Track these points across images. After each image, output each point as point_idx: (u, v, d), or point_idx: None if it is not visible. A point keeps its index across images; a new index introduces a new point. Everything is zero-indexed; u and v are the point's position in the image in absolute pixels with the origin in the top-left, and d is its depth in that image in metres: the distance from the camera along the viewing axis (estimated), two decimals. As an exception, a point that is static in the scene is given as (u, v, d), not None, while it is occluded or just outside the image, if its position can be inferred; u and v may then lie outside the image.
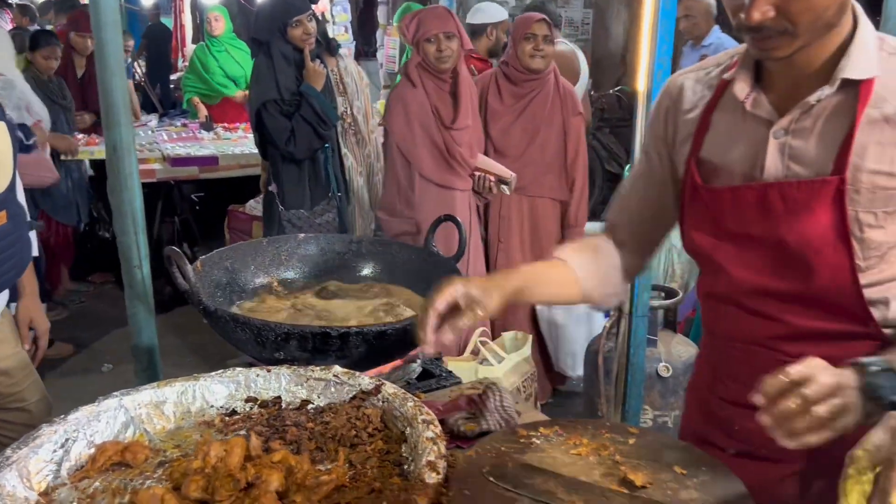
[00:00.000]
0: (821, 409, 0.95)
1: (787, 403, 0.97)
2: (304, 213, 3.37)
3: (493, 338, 3.42)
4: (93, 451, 1.32)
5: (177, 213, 5.70)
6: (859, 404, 0.99)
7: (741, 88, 1.26)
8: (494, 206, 3.55)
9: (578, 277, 1.44)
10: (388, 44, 7.32)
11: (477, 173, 3.18)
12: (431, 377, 1.95)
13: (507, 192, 3.22)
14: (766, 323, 1.25)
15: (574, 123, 3.50)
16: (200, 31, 9.06)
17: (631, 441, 1.26)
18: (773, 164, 1.23)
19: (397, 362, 1.90)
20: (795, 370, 0.98)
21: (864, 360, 1.02)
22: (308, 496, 1.15)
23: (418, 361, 1.93)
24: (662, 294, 2.83)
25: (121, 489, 1.24)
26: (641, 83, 2.06)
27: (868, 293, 1.17)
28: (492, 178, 3.17)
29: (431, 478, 1.17)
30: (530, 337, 3.48)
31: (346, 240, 2.25)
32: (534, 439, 1.28)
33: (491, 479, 1.15)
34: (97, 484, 1.26)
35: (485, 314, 1.28)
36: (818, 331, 1.20)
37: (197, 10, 9.82)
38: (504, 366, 3.24)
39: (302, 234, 2.27)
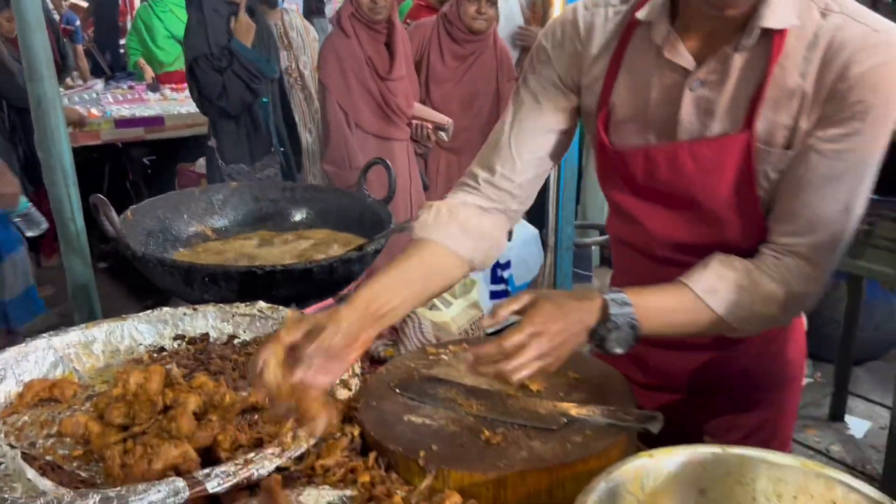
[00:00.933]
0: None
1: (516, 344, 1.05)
2: (245, 167, 3.38)
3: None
4: (21, 388, 1.37)
5: (127, 177, 5.65)
6: (583, 342, 1.10)
7: (659, 31, 1.16)
8: (433, 162, 3.60)
9: (451, 252, 1.27)
10: (336, -1, 7.24)
11: (414, 122, 3.22)
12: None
13: (446, 139, 3.27)
14: (679, 271, 1.19)
15: (508, 89, 3.53)
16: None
17: (532, 353, 1.33)
18: (687, 118, 1.17)
19: (328, 301, 1.96)
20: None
21: (612, 305, 1.09)
22: (223, 414, 1.21)
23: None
24: (598, 231, 2.91)
25: (49, 421, 1.29)
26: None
27: None
28: (429, 126, 3.21)
29: (342, 394, 1.24)
30: (477, 281, 3.56)
31: (279, 186, 2.30)
32: (442, 356, 1.35)
33: (397, 391, 1.23)
34: (25, 418, 1.31)
35: (335, 337, 1.07)
36: None
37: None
38: (452, 311, 3.32)
39: (234, 183, 2.31)
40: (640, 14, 1.17)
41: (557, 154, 1.34)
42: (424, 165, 3.61)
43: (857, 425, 3.14)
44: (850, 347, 3.05)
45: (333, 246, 2.06)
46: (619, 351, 1.09)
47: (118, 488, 1.01)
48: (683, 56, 1.15)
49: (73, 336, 1.50)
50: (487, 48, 3.50)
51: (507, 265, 3.76)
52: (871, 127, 1.06)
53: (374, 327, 1.13)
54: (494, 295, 3.78)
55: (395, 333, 1.61)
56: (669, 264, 1.24)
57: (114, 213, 1.71)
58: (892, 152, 1.23)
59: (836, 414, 3.19)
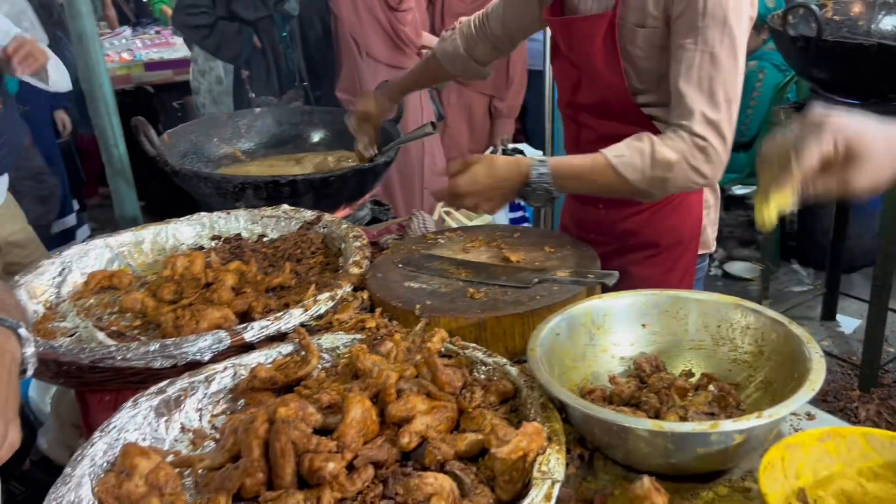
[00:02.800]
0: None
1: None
2: (274, 99, 3.58)
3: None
4: (86, 278, 1.62)
5: (158, 119, 5.89)
6: (511, 198, 1.48)
7: None
8: (445, 93, 3.78)
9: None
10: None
11: (423, 51, 3.38)
12: (380, 222, 2.24)
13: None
14: (579, 129, 1.63)
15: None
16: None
17: (516, 235, 1.55)
18: None
19: (347, 211, 2.18)
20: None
21: (532, 170, 1.41)
22: (255, 287, 1.45)
23: (367, 208, 2.21)
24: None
25: (110, 303, 1.55)
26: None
27: (648, 111, 1.49)
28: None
29: (354, 270, 1.47)
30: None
31: (299, 111, 2.51)
32: (439, 240, 1.58)
33: (399, 265, 1.45)
34: (91, 301, 1.56)
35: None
36: (616, 134, 1.45)
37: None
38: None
39: (258, 108, 2.51)
40: None
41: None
42: (438, 96, 3.78)
43: (847, 323, 3.33)
44: (840, 252, 3.22)
45: (349, 161, 2.28)
46: (537, 205, 1.45)
47: (174, 338, 1.27)
48: None
49: (125, 237, 1.74)
50: None
51: None
52: (712, 19, 1.32)
53: None
54: (513, 221, 4.00)
55: (401, 229, 1.84)
56: (571, 122, 1.68)
57: (153, 133, 1.94)
58: (875, 61, 1.39)
59: (828, 314, 3.38)
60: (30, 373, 0.97)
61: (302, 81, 3.59)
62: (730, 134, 1.37)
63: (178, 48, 5.55)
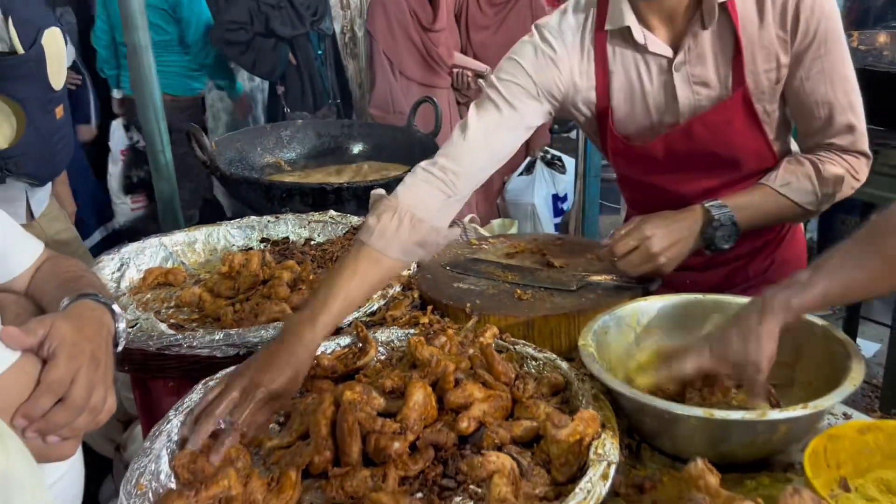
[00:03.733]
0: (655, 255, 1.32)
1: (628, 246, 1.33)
2: (307, 115, 3.68)
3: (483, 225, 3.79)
4: (143, 274, 1.70)
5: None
6: (694, 245, 1.35)
7: (637, 32, 1.34)
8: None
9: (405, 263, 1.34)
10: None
11: (455, 70, 3.48)
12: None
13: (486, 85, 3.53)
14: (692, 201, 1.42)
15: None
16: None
17: (559, 243, 1.62)
18: (683, 94, 1.37)
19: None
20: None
21: (712, 209, 1.34)
22: (310, 286, 1.52)
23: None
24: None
25: (167, 298, 1.62)
26: None
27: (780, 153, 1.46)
28: (469, 74, 3.47)
29: (405, 271, 1.54)
30: (516, 222, 3.84)
31: (339, 124, 2.60)
32: (483, 245, 1.64)
33: (447, 268, 1.52)
34: (148, 296, 1.64)
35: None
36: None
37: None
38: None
39: (300, 120, 2.61)
40: (609, 25, 1.37)
41: (511, 151, 1.44)
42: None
43: (867, 347, 3.36)
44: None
45: (390, 171, 2.36)
46: (726, 246, 1.35)
47: (237, 329, 1.34)
48: (661, 45, 1.36)
49: (179, 237, 1.82)
50: None
51: (564, 198, 4.03)
52: (833, 43, 1.31)
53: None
54: (558, 228, 4.06)
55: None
56: (683, 200, 1.43)
57: (206, 140, 2.02)
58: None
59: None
60: (120, 347, 1.04)
61: (335, 98, 3.70)
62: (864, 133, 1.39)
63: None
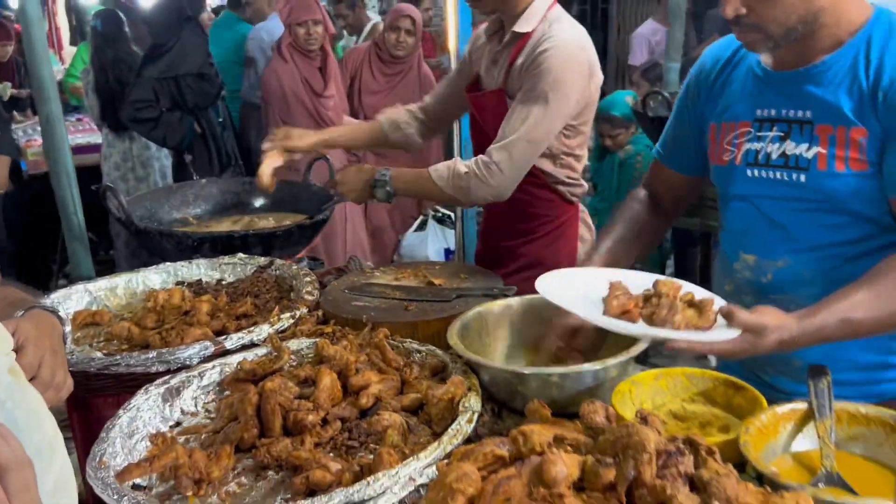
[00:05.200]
0: None
1: None
2: (216, 178, 3.92)
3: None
4: (72, 315, 1.90)
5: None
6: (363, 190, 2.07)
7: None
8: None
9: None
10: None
11: (345, 129, 3.83)
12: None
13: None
14: None
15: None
16: (79, 33, 9.27)
17: (437, 267, 1.95)
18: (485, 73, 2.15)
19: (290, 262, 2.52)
20: None
21: (378, 169, 1.99)
22: (227, 313, 1.77)
23: (305, 262, 2.55)
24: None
25: (97, 334, 1.83)
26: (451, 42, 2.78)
27: None
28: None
29: (308, 297, 1.82)
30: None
31: (240, 181, 2.85)
32: (375, 273, 1.95)
33: (345, 291, 1.81)
34: (79, 334, 1.84)
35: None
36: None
37: (73, 11, 9.97)
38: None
39: (204, 179, 2.85)
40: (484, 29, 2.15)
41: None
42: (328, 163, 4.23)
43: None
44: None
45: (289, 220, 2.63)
46: (383, 199, 2.06)
47: (168, 348, 1.58)
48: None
49: (101, 283, 2.03)
50: (412, 70, 4.17)
51: (454, 251, 4.39)
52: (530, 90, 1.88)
53: None
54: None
55: (339, 271, 2.20)
56: None
57: (122, 198, 2.25)
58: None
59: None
60: (68, 346, 1.28)
61: (237, 161, 3.95)
62: (520, 160, 1.91)
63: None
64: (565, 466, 0.92)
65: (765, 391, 1.25)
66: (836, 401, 1.15)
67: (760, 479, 1.02)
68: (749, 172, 1.46)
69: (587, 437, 1.05)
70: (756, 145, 1.44)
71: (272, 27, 4.54)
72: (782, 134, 1.40)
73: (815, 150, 1.36)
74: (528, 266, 2.07)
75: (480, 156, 1.92)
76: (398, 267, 1.98)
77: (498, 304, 1.58)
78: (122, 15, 4.54)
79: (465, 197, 1.95)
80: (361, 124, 2.58)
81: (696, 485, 0.94)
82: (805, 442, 1.15)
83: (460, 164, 1.94)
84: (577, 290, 1.38)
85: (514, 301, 1.59)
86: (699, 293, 1.34)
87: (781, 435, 1.15)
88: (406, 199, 4.28)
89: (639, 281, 1.39)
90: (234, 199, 2.80)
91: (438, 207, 4.46)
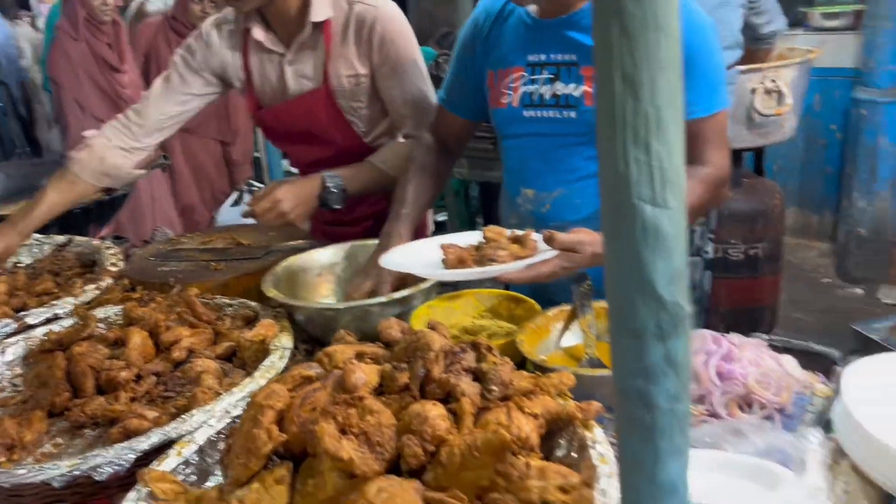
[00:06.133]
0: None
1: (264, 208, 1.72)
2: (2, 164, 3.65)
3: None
4: None
5: None
6: (314, 204, 1.77)
7: (259, 34, 1.84)
8: (171, 141, 4.08)
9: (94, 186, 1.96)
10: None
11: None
12: (122, 253, 2.53)
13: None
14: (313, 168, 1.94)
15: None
16: None
17: (248, 229, 1.99)
18: (292, 82, 1.90)
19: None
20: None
21: (327, 177, 1.78)
22: (27, 291, 1.72)
23: (110, 240, 2.48)
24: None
25: None
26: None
27: (379, 142, 1.98)
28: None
29: (112, 268, 1.80)
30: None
31: (29, 163, 2.73)
32: (182, 240, 1.96)
33: (151, 258, 1.81)
34: None
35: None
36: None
37: None
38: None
39: (-12, 164, 2.67)
40: (244, 25, 1.89)
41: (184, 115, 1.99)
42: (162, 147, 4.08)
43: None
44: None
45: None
46: (337, 206, 1.78)
47: (-38, 329, 1.52)
48: (277, 44, 1.88)
49: None
50: None
51: None
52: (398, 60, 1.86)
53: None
54: None
55: (146, 244, 2.18)
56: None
57: None
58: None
59: None
60: None
61: (24, 147, 3.71)
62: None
63: None
64: (364, 374, 1.04)
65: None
66: (597, 300, 1.35)
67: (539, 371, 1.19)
68: (525, 113, 1.62)
69: (385, 351, 1.17)
70: (531, 88, 1.61)
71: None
72: (552, 76, 1.58)
73: (581, 88, 1.54)
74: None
75: (409, 140, 1.87)
76: (205, 232, 2.01)
77: (311, 255, 1.66)
78: None
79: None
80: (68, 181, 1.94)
81: (478, 377, 1.09)
82: (573, 338, 1.34)
83: (415, 152, 1.79)
84: (417, 258, 1.47)
85: (328, 251, 1.69)
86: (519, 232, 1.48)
87: (552, 334, 1.33)
88: (214, 173, 4.23)
89: (468, 238, 1.52)
90: (24, 182, 2.67)
91: (252, 181, 4.42)
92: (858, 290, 4.39)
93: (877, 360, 1.05)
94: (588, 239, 1.35)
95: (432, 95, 1.91)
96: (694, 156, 1.48)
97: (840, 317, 3.95)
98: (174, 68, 1.94)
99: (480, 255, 1.42)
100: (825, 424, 1.04)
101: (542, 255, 1.34)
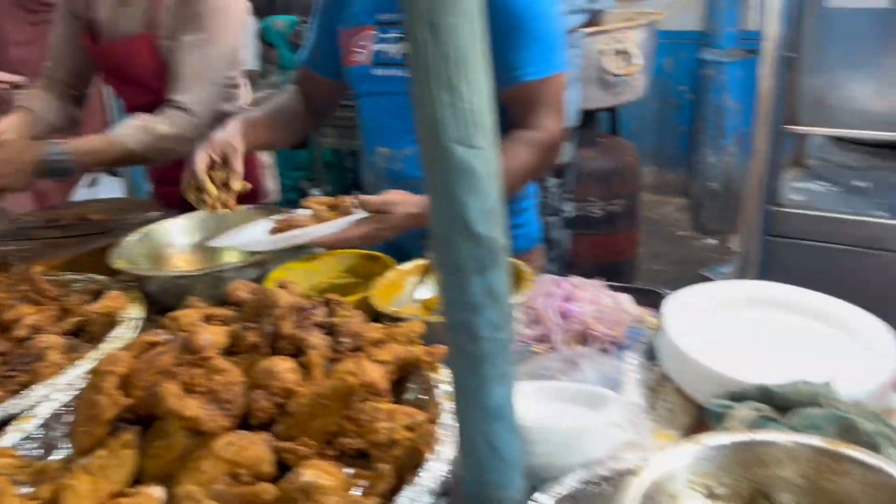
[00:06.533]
0: None
1: None
2: None
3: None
4: None
5: None
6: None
7: None
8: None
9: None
10: None
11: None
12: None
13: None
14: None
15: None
16: None
17: (99, 204, 1.92)
18: (123, 22, 1.90)
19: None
20: None
21: (50, 145, 1.66)
22: None
23: None
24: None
25: None
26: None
27: None
28: (5, 85, 3.46)
29: None
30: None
31: None
32: (22, 218, 1.87)
33: (-9, 238, 1.72)
34: None
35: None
36: None
37: None
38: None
39: None
40: None
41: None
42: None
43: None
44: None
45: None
46: (59, 179, 1.80)
47: None
48: None
49: None
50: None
51: None
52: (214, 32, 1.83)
53: None
54: None
55: None
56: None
57: None
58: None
59: None
60: None
61: None
62: (208, 98, 1.84)
63: None
64: (211, 335, 1.03)
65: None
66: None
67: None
68: (377, 72, 1.63)
69: (235, 313, 1.17)
70: (382, 46, 1.62)
71: None
72: (402, 35, 1.60)
73: None
74: None
75: (169, 109, 1.78)
76: (52, 209, 1.92)
77: (163, 225, 1.63)
78: None
79: (166, 157, 1.80)
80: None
81: (330, 331, 1.11)
82: (427, 291, 1.38)
83: (159, 125, 1.75)
84: (250, 235, 1.46)
85: (180, 221, 1.65)
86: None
87: (407, 288, 1.37)
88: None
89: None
90: None
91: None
92: (712, 241, 4.69)
93: (694, 290, 1.14)
94: (400, 199, 1.39)
95: (209, 79, 1.85)
96: (526, 119, 1.53)
97: (695, 266, 4.22)
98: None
99: (300, 223, 1.43)
100: (653, 352, 1.13)
101: (348, 218, 1.37)
